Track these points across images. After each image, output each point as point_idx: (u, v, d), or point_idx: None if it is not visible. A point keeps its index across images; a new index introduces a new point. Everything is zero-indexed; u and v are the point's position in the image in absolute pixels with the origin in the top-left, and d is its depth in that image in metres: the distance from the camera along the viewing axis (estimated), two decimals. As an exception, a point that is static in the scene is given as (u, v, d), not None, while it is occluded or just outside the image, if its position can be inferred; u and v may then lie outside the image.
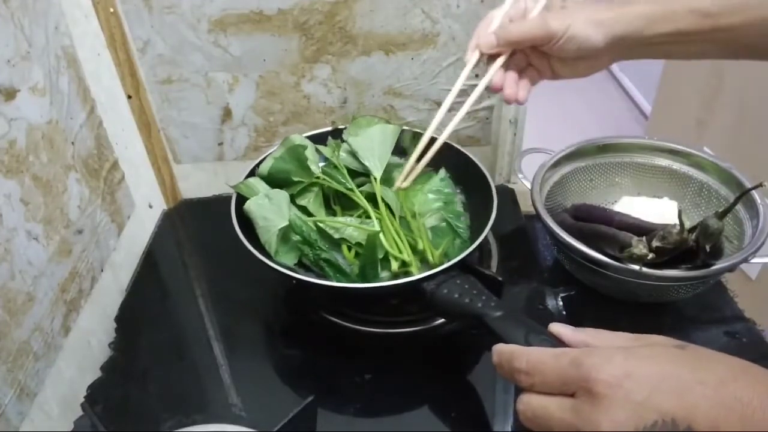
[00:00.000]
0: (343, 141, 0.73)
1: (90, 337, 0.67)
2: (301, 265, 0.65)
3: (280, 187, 0.67)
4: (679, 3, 0.52)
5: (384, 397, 0.60)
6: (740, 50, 0.54)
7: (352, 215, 0.66)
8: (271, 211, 0.64)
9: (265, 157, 0.70)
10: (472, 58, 0.58)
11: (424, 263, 0.62)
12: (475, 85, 0.58)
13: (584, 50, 0.54)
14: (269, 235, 0.63)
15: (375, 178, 0.67)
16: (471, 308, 0.51)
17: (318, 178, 0.68)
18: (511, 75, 0.58)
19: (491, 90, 0.58)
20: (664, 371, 0.33)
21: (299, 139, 0.70)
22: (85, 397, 0.61)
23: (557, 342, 0.41)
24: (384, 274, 0.61)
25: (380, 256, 0.61)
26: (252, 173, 0.69)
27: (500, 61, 0.57)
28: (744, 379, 0.32)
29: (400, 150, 0.73)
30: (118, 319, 0.70)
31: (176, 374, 0.64)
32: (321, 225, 0.64)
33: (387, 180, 0.69)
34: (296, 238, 0.63)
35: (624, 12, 0.53)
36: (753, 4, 0.50)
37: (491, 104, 0.83)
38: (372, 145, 0.68)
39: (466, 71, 0.59)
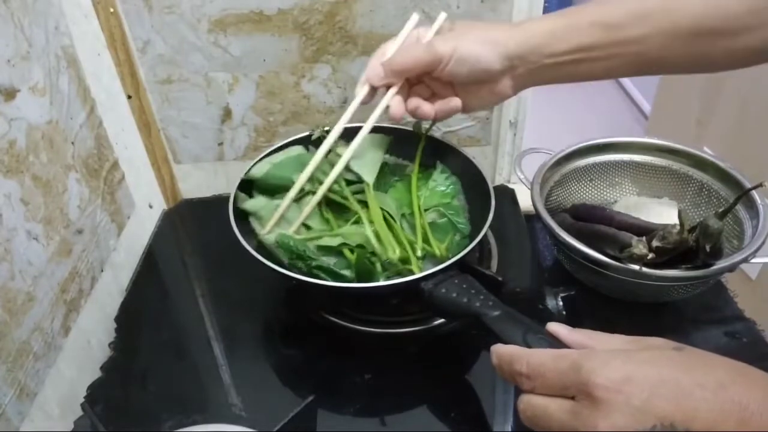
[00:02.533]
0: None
1: (90, 337, 0.67)
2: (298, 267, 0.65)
3: (272, 193, 0.67)
4: (581, 17, 0.50)
5: (384, 397, 0.60)
6: (646, 65, 0.51)
7: (346, 221, 0.66)
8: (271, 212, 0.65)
9: (255, 163, 0.69)
10: (362, 92, 0.57)
11: (429, 258, 0.62)
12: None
13: (478, 72, 0.51)
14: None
15: (368, 185, 0.67)
16: (469, 308, 0.51)
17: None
18: (415, 100, 0.56)
19: (392, 120, 0.56)
20: (662, 375, 0.33)
21: (297, 150, 0.71)
22: (85, 397, 0.61)
23: (555, 341, 0.41)
24: (385, 274, 0.61)
25: (383, 258, 0.61)
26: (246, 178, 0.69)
27: (393, 90, 0.56)
28: (742, 382, 0.32)
29: (404, 152, 0.73)
30: (118, 319, 0.70)
31: (176, 374, 0.64)
32: (318, 242, 0.64)
33: (382, 183, 0.69)
34: (289, 255, 0.63)
35: (519, 30, 0.51)
36: (656, 13, 0.48)
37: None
38: (364, 154, 0.68)
39: (353, 106, 0.58)
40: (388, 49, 0.57)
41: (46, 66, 0.61)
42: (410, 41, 0.57)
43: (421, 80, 0.57)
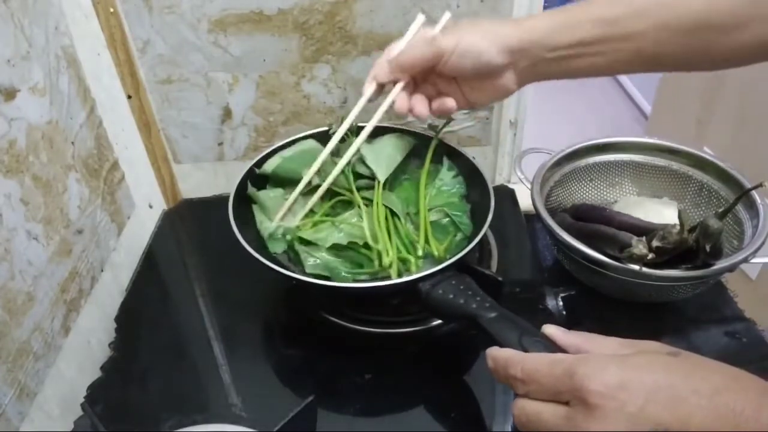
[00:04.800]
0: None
1: (90, 337, 0.67)
2: (297, 265, 0.65)
3: (283, 186, 0.68)
4: (580, 13, 0.51)
5: (384, 397, 0.60)
6: (646, 60, 0.52)
7: (347, 212, 0.67)
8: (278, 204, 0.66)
9: (263, 156, 0.70)
10: (369, 89, 0.59)
11: (428, 258, 0.62)
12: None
13: (481, 66, 0.53)
14: (267, 224, 0.65)
15: (379, 182, 0.67)
16: (465, 309, 0.51)
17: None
18: (420, 97, 0.58)
19: (397, 115, 0.59)
20: (658, 381, 0.33)
21: (311, 143, 0.72)
22: (85, 397, 0.61)
23: (550, 344, 0.41)
24: (367, 270, 0.61)
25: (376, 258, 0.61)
26: (250, 173, 0.69)
27: (399, 86, 0.58)
28: (736, 387, 0.32)
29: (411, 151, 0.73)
30: (118, 319, 0.70)
31: (176, 374, 0.64)
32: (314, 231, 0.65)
33: (391, 181, 0.69)
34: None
35: (521, 25, 0.52)
36: (655, 9, 0.49)
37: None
38: (382, 152, 0.69)
39: (360, 103, 0.61)
40: (395, 49, 0.58)
41: (46, 66, 0.61)
42: (418, 40, 0.58)
43: (426, 79, 0.58)
